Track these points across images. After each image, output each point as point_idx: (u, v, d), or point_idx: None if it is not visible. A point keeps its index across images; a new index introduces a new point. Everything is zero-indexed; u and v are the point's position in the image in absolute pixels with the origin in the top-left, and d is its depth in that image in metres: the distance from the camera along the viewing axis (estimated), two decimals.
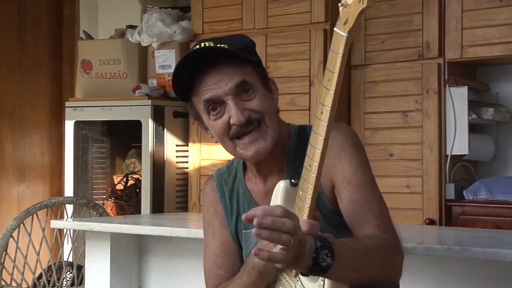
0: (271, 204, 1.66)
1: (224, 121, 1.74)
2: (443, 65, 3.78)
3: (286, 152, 1.82)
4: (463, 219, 3.66)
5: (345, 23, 1.45)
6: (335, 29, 1.47)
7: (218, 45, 1.73)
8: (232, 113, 1.72)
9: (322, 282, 1.51)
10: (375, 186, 1.73)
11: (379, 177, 3.75)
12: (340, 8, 1.46)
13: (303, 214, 1.55)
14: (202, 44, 1.75)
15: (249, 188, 1.87)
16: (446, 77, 3.77)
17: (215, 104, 1.75)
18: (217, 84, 1.73)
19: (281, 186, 1.68)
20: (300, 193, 1.56)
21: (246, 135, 1.75)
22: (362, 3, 1.41)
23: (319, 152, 1.51)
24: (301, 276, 1.57)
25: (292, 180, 1.67)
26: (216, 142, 1.83)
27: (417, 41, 3.83)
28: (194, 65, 1.74)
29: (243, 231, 1.87)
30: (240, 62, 1.75)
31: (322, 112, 1.50)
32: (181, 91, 1.79)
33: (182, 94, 1.80)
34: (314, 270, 1.44)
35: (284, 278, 1.63)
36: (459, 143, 3.74)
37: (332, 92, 1.47)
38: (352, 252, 1.50)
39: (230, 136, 1.75)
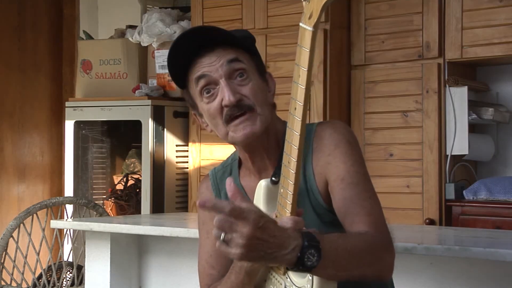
0: (254, 203, 1.66)
1: (217, 104, 1.74)
2: (443, 65, 3.78)
3: (281, 149, 1.82)
4: (463, 219, 3.66)
5: (309, 17, 1.46)
6: (300, 24, 1.49)
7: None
8: (224, 94, 1.72)
9: (310, 278, 1.52)
10: (368, 184, 1.72)
11: (379, 177, 3.79)
12: (304, 3, 1.48)
13: (286, 211, 1.55)
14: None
15: (244, 185, 1.86)
16: (446, 77, 3.77)
17: (208, 86, 1.74)
18: (211, 63, 1.73)
19: (262, 185, 1.68)
20: (281, 190, 1.57)
21: (237, 119, 1.74)
22: None
23: (296, 148, 1.51)
24: (290, 273, 1.57)
25: (273, 178, 1.67)
26: (211, 131, 1.82)
27: (417, 41, 3.83)
28: (190, 51, 1.74)
29: None
30: (238, 48, 1.76)
31: (295, 108, 1.51)
32: (178, 77, 1.80)
33: (179, 81, 1.81)
34: (298, 268, 1.46)
35: (274, 276, 1.64)
36: (459, 143, 3.74)
37: (303, 87, 1.48)
38: (340, 250, 1.51)
39: (223, 120, 1.74)
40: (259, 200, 1.67)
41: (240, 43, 1.76)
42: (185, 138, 4.49)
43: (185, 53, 1.75)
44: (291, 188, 1.54)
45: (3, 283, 3.70)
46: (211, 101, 1.75)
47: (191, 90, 1.79)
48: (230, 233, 1.41)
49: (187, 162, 4.47)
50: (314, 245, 1.44)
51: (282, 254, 1.44)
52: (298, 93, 1.49)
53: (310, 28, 1.46)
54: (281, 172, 1.57)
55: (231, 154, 1.93)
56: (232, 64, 1.73)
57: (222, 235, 1.42)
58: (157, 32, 4.45)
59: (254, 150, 1.79)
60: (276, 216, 1.57)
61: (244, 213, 1.41)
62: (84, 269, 3.34)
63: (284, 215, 1.55)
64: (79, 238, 3.83)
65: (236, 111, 1.73)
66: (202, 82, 1.75)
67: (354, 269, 1.54)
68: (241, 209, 1.41)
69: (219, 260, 1.86)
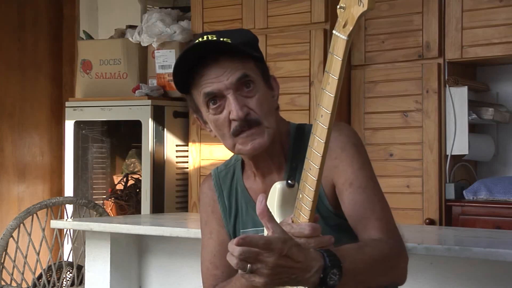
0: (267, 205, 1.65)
1: (224, 116, 1.73)
2: (443, 65, 3.78)
3: (285, 150, 1.82)
4: (463, 219, 3.66)
5: (344, 26, 1.43)
6: (334, 32, 1.45)
7: (221, 39, 1.73)
8: (232, 108, 1.71)
9: None
10: (377, 187, 1.72)
11: (379, 177, 3.75)
12: (339, 11, 1.44)
13: (304, 217, 1.54)
14: (205, 37, 1.74)
15: (247, 187, 1.86)
16: (446, 77, 3.77)
17: (215, 98, 1.73)
18: (219, 78, 1.72)
19: (277, 187, 1.67)
20: (300, 196, 1.55)
21: (244, 132, 1.74)
22: (363, 6, 1.39)
23: (320, 155, 1.49)
24: None
25: (289, 181, 1.66)
26: (215, 136, 1.82)
27: (417, 41, 3.83)
28: (196, 58, 1.73)
29: (241, 230, 1.86)
30: (243, 57, 1.74)
31: (322, 116, 1.47)
32: (182, 83, 1.79)
33: (182, 86, 1.80)
34: None
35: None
36: (459, 143, 3.74)
37: (333, 96, 1.45)
38: (359, 265, 1.51)
39: (231, 133, 1.74)
40: (273, 202, 1.66)
41: (247, 53, 1.75)
42: (185, 138, 4.49)
43: (190, 61, 1.73)
44: (311, 194, 1.52)
45: (3, 283, 3.70)
46: (218, 113, 1.74)
47: (196, 99, 1.78)
48: (255, 264, 1.41)
49: (187, 162, 4.47)
50: (336, 264, 1.45)
51: (306, 278, 1.44)
52: (326, 100, 1.46)
53: (344, 37, 1.42)
54: (302, 178, 1.54)
55: (234, 155, 1.93)
56: (241, 79, 1.73)
57: (248, 266, 1.42)
58: (157, 32, 4.44)
59: (259, 157, 1.79)
60: (293, 221, 1.56)
61: (270, 244, 1.41)
62: (84, 269, 3.34)
63: (301, 220, 1.54)
64: (79, 238, 3.83)
65: (244, 126, 1.72)
66: (209, 95, 1.74)
67: (372, 280, 1.55)
68: (269, 241, 1.42)
69: (223, 260, 1.85)
